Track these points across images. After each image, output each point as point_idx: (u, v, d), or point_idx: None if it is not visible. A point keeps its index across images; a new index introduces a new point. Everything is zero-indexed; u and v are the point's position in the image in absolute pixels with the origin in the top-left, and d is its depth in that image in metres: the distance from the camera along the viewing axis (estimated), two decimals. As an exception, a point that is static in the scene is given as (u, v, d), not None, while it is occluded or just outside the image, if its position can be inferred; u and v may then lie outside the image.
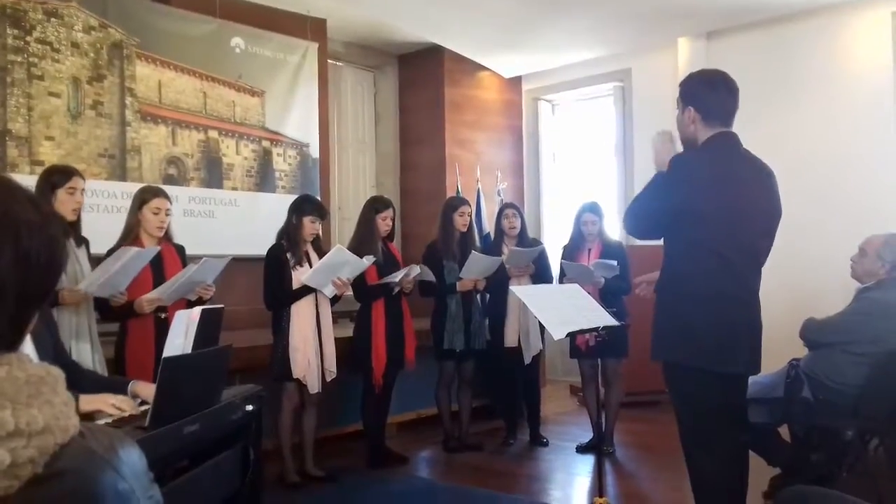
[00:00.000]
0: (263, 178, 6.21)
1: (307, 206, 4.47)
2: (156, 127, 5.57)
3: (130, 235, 3.71)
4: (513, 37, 6.82)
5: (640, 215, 2.82)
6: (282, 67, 6.35)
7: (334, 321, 4.61)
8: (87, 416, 2.32)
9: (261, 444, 2.99)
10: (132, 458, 0.86)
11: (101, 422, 2.31)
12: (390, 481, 4.60)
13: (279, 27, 6.32)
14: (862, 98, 5.98)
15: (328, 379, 4.44)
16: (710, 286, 2.65)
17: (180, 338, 2.94)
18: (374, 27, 6.97)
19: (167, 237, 3.84)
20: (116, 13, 5.35)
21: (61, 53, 5.06)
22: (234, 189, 6.03)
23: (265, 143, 6.24)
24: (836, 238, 5.28)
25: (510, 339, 5.19)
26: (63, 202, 3.47)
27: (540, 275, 5.20)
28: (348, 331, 4.90)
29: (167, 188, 4.08)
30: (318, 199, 5.19)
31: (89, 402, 2.40)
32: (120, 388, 2.62)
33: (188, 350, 2.89)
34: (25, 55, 4.89)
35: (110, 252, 3.58)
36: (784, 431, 3.90)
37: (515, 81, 8.08)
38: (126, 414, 2.42)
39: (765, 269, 2.78)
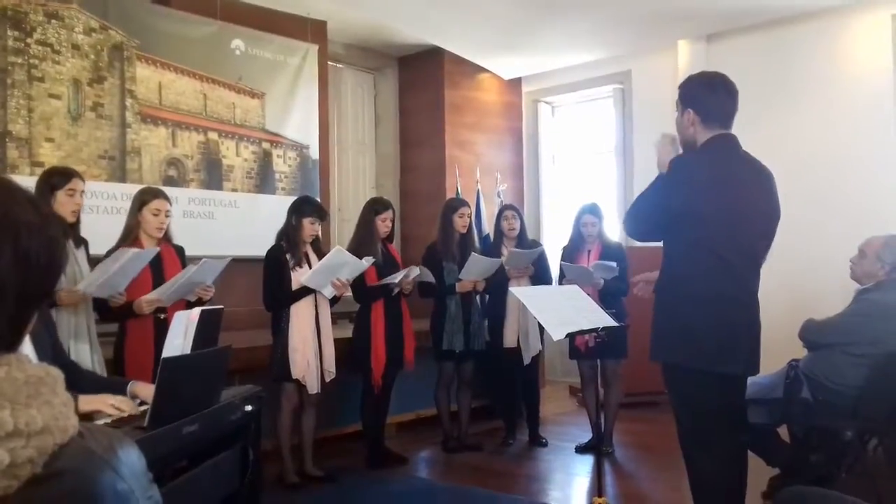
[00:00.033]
0: (263, 180, 6.22)
1: (307, 207, 4.47)
2: (156, 128, 5.57)
3: (130, 237, 3.72)
4: (513, 39, 6.82)
5: (640, 217, 2.83)
6: (282, 69, 6.36)
7: (333, 322, 4.62)
8: (86, 417, 2.32)
9: (260, 445, 2.99)
10: (131, 459, 0.86)
11: (100, 422, 2.31)
12: (389, 481, 4.61)
13: (279, 29, 6.33)
14: (862, 100, 5.98)
15: (327, 379, 4.44)
16: (710, 287, 2.65)
17: (179, 338, 2.94)
18: (374, 29, 6.98)
19: (167, 238, 3.85)
20: (117, 15, 5.35)
21: (62, 55, 5.06)
22: (234, 190, 6.03)
23: (265, 145, 6.25)
24: (836, 239, 5.28)
25: (509, 340, 5.20)
26: (62, 204, 3.48)
27: (539, 276, 5.20)
28: (347, 331, 4.90)
29: (167, 189, 4.09)
30: (318, 200, 5.19)
31: (88, 402, 2.40)
32: (119, 389, 2.62)
33: (187, 351, 2.89)
34: (26, 57, 4.90)
35: (109, 253, 3.59)
36: (783, 432, 3.90)
37: (515, 83, 8.09)
38: (125, 414, 2.42)
39: (764, 271, 2.79)
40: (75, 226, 3.61)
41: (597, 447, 4.35)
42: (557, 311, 3.44)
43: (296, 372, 4.30)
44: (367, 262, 4.46)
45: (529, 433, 5.45)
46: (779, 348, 3.66)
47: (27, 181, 4.06)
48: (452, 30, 6.81)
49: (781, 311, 4.63)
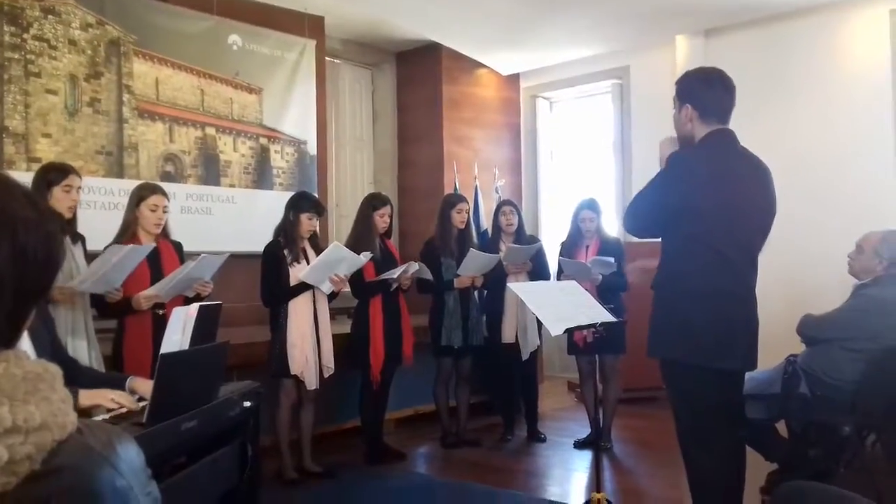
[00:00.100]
0: (261, 176, 6.21)
1: (304, 202, 4.47)
2: (153, 124, 5.56)
3: (128, 232, 3.71)
4: (511, 34, 6.81)
5: (639, 214, 2.83)
6: (279, 65, 6.35)
7: (332, 318, 4.62)
8: (84, 412, 2.33)
9: (258, 441, 3.00)
10: (130, 455, 0.86)
11: (99, 418, 2.31)
12: (388, 477, 4.61)
13: (276, 24, 6.32)
14: (860, 95, 5.98)
15: (326, 375, 4.45)
16: (708, 283, 2.65)
17: (178, 334, 2.94)
18: (371, 24, 6.96)
19: (165, 234, 3.84)
20: (114, 10, 5.34)
21: (58, 51, 5.05)
22: (232, 186, 6.02)
23: (263, 141, 6.24)
24: (834, 235, 5.28)
25: (508, 336, 5.20)
26: (59, 200, 3.47)
27: (537, 272, 5.20)
28: (346, 327, 4.90)
29: (165, 185, 4.07)
30: (316, 196, 5.19)
31: (89, 396, 2.41)
32: (118, 385, 2.62)
33: (186, 346, 2.90)
34: (23, 52, 4.88)
35: (107, 249, 3.58)
36: (781, 427, 3.91)
37: (513, 79, 8.08)
38: (125, 409, 2.42)
39: (762, 266, 2.79)
40: (72, 222, 3.60)
41: (595, 443, 4.35)
42: (555, 307, 3.44)
43: (294, 368, 4.30)
44: (364, 257, 4.46)
45: (528, 429, 5.45)
46: (777, 343, 3.66)
47: (24, 177, 4.06)
48: (450, 25, 6.80)
49: (779, 306, 4.65)
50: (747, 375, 2.91)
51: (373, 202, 4.85)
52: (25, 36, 4.90)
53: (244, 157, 6.12)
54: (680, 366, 2.70)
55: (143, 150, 5.49)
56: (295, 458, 4.48)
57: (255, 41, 6.19)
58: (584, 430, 5.32)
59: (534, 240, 5.38)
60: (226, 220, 5.87)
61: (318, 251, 4.41)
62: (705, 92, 2.75)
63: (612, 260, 4.80)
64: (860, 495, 1.71)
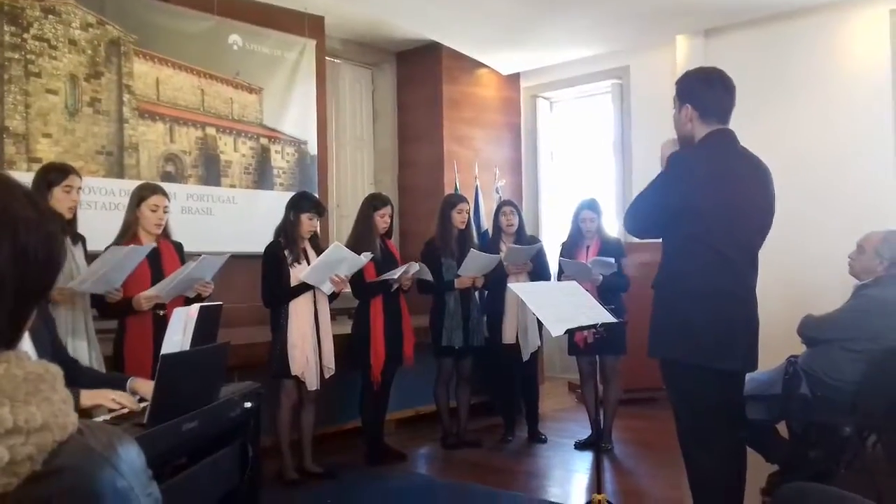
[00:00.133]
0: (261, 176, 6.21)
1: (305, 202, 4.46)
2: (153, 124, 5.56)
3: (128, 233, 3.71)
4: (511, 34, 6.81)
5: (639, 215, 2.83)
6: (279, 64, 6.35)
7: (332, 318, 4.61)
8: (85, 412, 2.33)
9: (259, 441, 3.00)
10: (131, 456, 0.86)
11: (100, 418, 2.31)
12: (389, 478, 4.61)
13: (277, 24, 6.32)
14: (860, 95, 5.98)
15: (326, 376, 4.44)
16: (708, 283, 2.65)
17: (178, 335, 2.94)
18: (372, 24, 6.96)
19: (165, 234, 3.84)
20: (114, 10, 5.34)
21: (59, 50, 5.05)
22: (232, 186, 6.02)
23: (263, 141, 6.24)
24: (834, 235, 5.28)
25: (508, 336, 5.20)
26: (59, 200, 3.47)
27: (538, 272, 5.20)
28: (346, 328, 4.90)
29: (165, 185, 4.07)
30: (316, 196, 5.18)
31: (90, 396, 2.41)
32: (119, 385, 2.62)
33: (186, 347, 2.90)
34: (23, 52, 4.88)
35: (107, 250, 3.58)
36: (782, 428, 3.91)
37: (514, 78, 8.08)
38: (126, 410, 2.42)
39: (763, 266, 2.79)
40: (72, 222, 3.60)
41: (596, 444, 4.35)
42: (556, 308, 3.44)
43: (295, 368, 4.30)
44: (365, 257, 4.46)
45: (528, 429, 5.45)
46: (777, 344, 3.66)
47: (24, 177, 4.06)
48: (451, 25, 6.80)
49: (780, 306, 4.64)
50: (748, 376, 2.91)
51: (373, 202, 4.85)
52: (26, 36, 4.90)
53: (245, 157, 6.12)
54: (680, 366, 2.70)
55: (144, 150, 5.48)
56: (295, 458, 4.48)
57: (256, 41, 6.19)
58: (584, 431, 5.32)
59: (534, 240, 5.38)
60: (226, 221, 5.87)
61: (319, 251, 4.41)
62: (705, 92, 2.75)
63: (612, 260, 4.80)
64: (861, 496, 1.71)
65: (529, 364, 5.32)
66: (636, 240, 4.88)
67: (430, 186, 7.33)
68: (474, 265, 4.95)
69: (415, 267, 4.73)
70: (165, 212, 3.77)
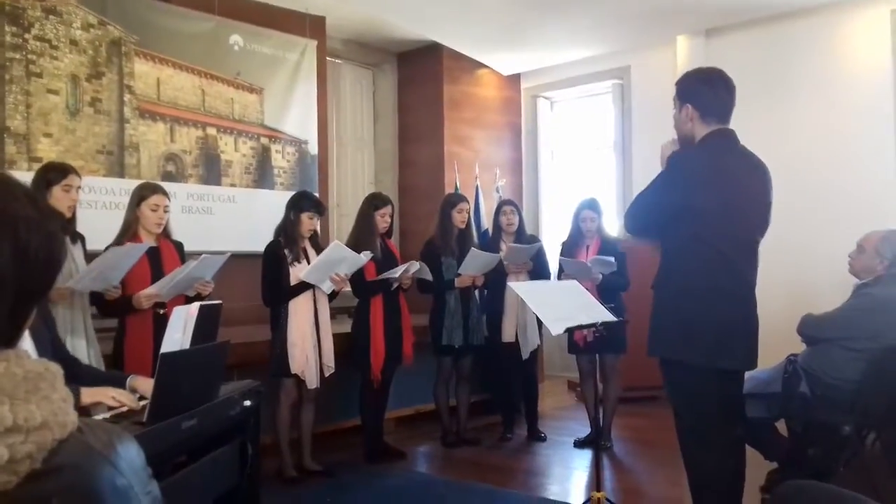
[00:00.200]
0: (262, 175, 6.21)
1: (305, 202, 4.47)
2: (154, 124, 5.57)
3: (129, 232, 3.72)
4: (512, 34, 6.81)
5: (639, 215, 2.84)
6: (280, 65, 6.35)
7: (332, 317, 4.62)
8: (85, 410, 2.33)
9: (259, 440, 3.00)
10: (130, 454, 0.86)
11: (100, 416, 2.32)
12: (388, 476, 4.61)
13: (278, 24, 6.32)
14: (860, 95, 5.98)
15: (326, 374, 4.45)
16: (708, 282, 2.66)
17: (178, 333, 2.94)
18: (372, 25, 6.96)
19: (166, 234, 3.85)
20: (115, 11, 5.34)
21: (60, 51, 5.05)
22: (233, 186, 6.02)
23: (264, 140, 6.24)
24: (834, 234, 5.28)
25: (508, 335, 5.20)
26: (58, 199, 3.48)
27: (538, 271, 5.20)
28: (346, 326, 4.90)
29: (165, 185, 4.08)
30: (316, 195, 5.19)
31: (91, 394, 2.42)
32: (119, 383, 2.63)
33: (186, 346, 2.90)
34: (24, 52, 4.89)
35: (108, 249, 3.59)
36: (781, 426, 3.91)
37: (514, 79, 8.07)
38: (126, 408, 2.43)
39: (762, 265, 2.79)
40: (71, 221, 3.61)
41: (595, 442, 4.35)
42: (556, 306, 3.44)
43: (295, 367, 4.30)
44: (365, 256, 4.47)
45: (528, 428, 5.45)
46: (777, 343, 3.66)
47: (25, 177, 4.06)
48: (451, 25, 6.80)
49: (779, 305, 4.65)
50: (747, 374, 2.92)
51: (374, 202, 4.85)
52: (27, 36, 4.90)
53: (245, 156, 6.12)
54: (680, 365, 2.70)
55: (144, 149, 5.49)
56: (295, 456, 4.49)
57: (257, 41, 6.19)
58: (584, 430, 5.32)
59: (534, 239, 5.38)
60: (227, 220, 5.88)
61: (319, 251, 4.42)
62: (706, 92, 2.75)
63: (612, 259, 4.80)
64: (860, 494, 1.71)
65: (529, 363, 5.32)
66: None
67: (430, 186, 7.34)
68: (474, 264, 4.95)
69: (415, 266, 4.74)
70: (166, 211, 3.77)
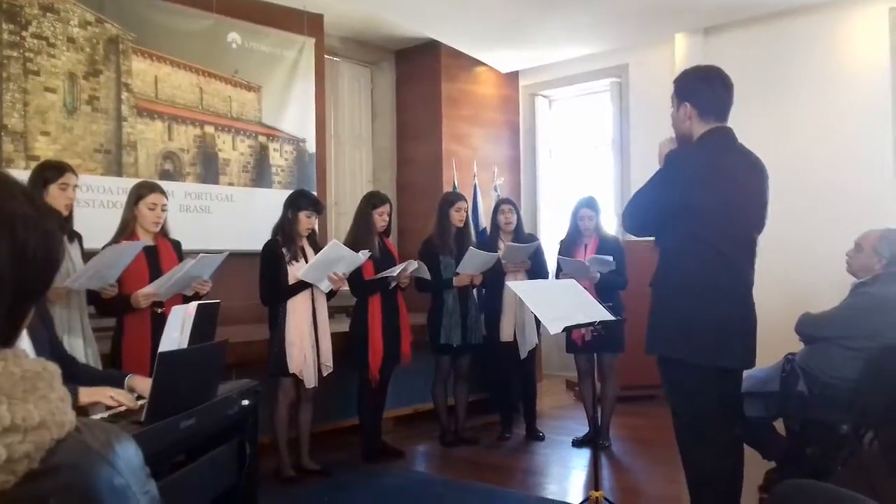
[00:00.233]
0: (260, 174, 6.21)
1: (303, 200, 4.46)
2: (152, 122, 5.56)
3: (126, 231, 3.71)
4: (510, 32, 6.81)
5: (637, 213, 2.83)
6: (278, 63, 6.34)
7: (330, 316, 4.62)
8: (83, 409, 2.33)
9: (257, 439, 3.00)
10: (128, 453, 0.86)
11: (98, 416, 2.31)
12: (386, 475, 4.61)
13: (276, 22, 6.31)
14: (859, 94, 5.99)
15: (324, 374, 4.44)
16: (707, 280, 2.66)
17: (177, 332, 2.94)
18: (370, 22, 6.96)
19: (163, 233, 3.84)
20: (113, 8, 5.34)
21: (57, 48, 5.04)
22: (231, 184, 6.02)
23: (261, 139, 6.24)
24: (832, 232, 5.28)
25: (506, 334, 5.20)
26: (55, 197, 3.47)
27: (536, 270, 5.20)
28: (344, 326, 4.90)
29: (163, 183, 4.08)
30: (314, 194, 5.18)
31: (88, 394, 2.42)
32: (117, 382, 2.62)
33: (184, 345, 2.90)
34: (21, 50, 4.88)
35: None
36: (779, 425, 3.91)
37: (512, 77, 8.07)
38: (124, 407, 2.42)
39: (760, 264, 2.79)
40: (68, 220, 3.60)
41: (593, 441, 4.35)
42: (554, 305, 3.44)
43: (293, 366, 4.30)
44: (363, 255, 4.46)
45: (526, 427, 5.46)
46: (775, 342, 3.66)
47: (23, 175, 4.06)
48: (449, 23, 6.79)
49: (778, 304, 4.65)
50: (745, 373, 2.92)
51: (372, 200, 4.85)
52: (24, 34, 4.89)
53: (243, 155, 6.12)
54: (678, 363, 2.70)
55: (142, 148, 5.48)
56: (293, 456, 4.48)
57: (255, 39, 6.19)
58: (582, 429, 5.32)
59: (532, 238, 5.38)
60: (224, 219, 5.87)
61: (317, 249, 4.41)
62: (704, 90, 2.75)
63: (610, 258, 4.80)
64: (857, 493, 1.71)
65: (527, 362, 5.32)
66: (634, 237, 4.88)
67: (428, 185, 7.33)
68: (473, 263, 4.95)
69: (413, 265, 4.74)
70: (163, 210, 3.77)
